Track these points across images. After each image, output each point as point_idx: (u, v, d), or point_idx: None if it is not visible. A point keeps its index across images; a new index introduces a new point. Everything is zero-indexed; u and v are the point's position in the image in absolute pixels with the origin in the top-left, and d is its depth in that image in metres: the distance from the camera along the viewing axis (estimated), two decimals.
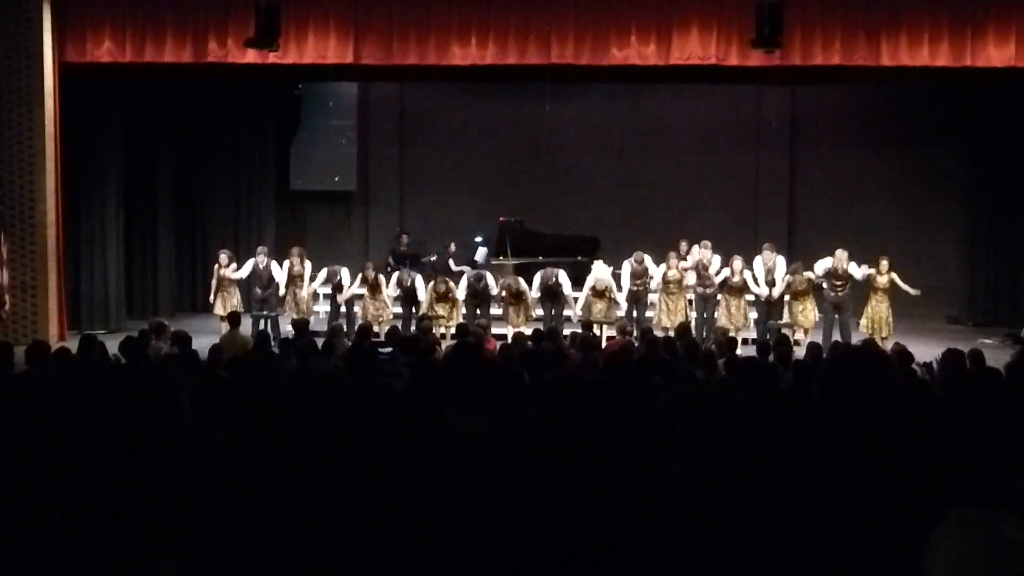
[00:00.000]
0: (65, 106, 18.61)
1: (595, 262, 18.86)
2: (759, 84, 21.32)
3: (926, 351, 12.25)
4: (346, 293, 18.34)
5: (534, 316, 18.17)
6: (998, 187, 21.87)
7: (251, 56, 17.79)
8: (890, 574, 2.82)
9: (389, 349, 12.88)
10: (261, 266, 18.66)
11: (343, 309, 18.60)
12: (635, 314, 18.10)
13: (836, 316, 17.77)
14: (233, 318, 15.34)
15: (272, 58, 17.73)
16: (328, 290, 18.88)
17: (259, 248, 19.42)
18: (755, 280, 18.01)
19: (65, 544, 3.55)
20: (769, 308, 18.03)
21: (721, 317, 17.95)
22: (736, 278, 17.94)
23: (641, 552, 3.02)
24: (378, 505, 4.08)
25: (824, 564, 3.00)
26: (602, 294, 18.12)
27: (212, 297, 18.96)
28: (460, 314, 18.01)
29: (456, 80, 21.14)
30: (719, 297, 18.20)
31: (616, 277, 18.37)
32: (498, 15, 18.02)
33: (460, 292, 18.09)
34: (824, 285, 17.85)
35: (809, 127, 24.07)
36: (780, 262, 18.19)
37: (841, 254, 17.80)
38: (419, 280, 18.42)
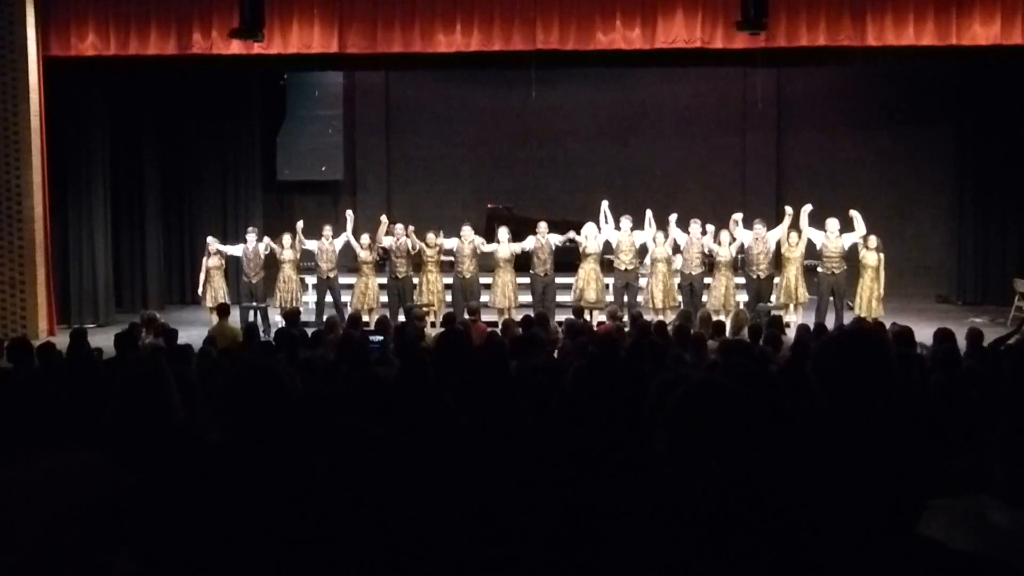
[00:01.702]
0: (50, 100, 18.57)
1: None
2: (745, 67, 21.28)
3: (916, 331, 12.25)
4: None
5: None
6: (986, 166, 21.87)
7: (236, 47, 17.76)
8: (877, 562, 2.81)
9: (380, 338, 12.88)
10: (250, 248, 18.61)
11: (329, 298, 18.59)
12: (625, 299, 18.11)
13: (832, 298, 17.76)
14: (222, 309, 15.30)
15: (257, 48, 17.69)
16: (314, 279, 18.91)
17: (249, 228, 19.38)
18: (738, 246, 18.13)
19: (48, 545, 3.53)
20: (759, 290, 18.03)
21: (711, 299, 17.95)
22: (724, 250, 17.96)
23: (632, 537, 3.01)
24: (370, 496, 4.07)
25: (811, 550, 3.00)
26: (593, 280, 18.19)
27: (200, 289, 18.87)
28: (445, 303, 18.10)
29: (442, 67, 21.12)
30: (707, 280, 18.23)
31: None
32: (483, 2, 18.00)
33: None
34: (819, 268, 17.84)
35: (795, 109, 24.08)
36: (772, 236, 18.16)
37: (832, 223, 17.84)
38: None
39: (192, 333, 14.66)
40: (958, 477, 3.22)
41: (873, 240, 17.76)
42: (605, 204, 18.76)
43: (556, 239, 18.58)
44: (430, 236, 18.47)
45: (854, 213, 17.71)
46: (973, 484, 2.77)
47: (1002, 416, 2.76)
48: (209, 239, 19.08)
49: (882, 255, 17.75)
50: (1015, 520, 2.53)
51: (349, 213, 19.28)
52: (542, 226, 18.64)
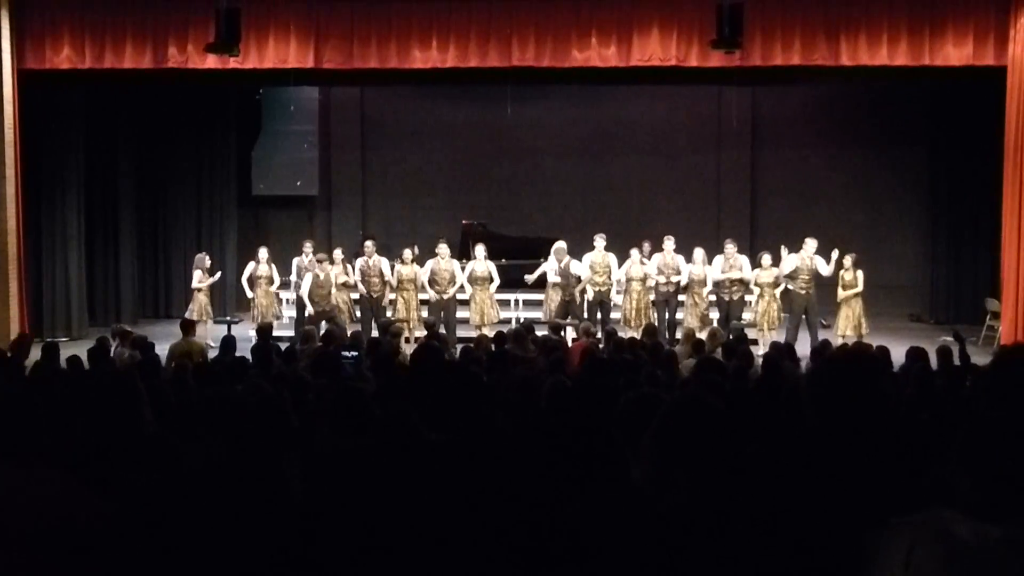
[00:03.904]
0: (25, 113, 18.48)
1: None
2: (720, 85, 21.40)
3: (891, 351, 12.28)
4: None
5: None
6: (958, 185, 21.97)
7: (211, 61, 17.71)
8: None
9: (354, 353, 12.86)
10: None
11: (309, 311, 18.58)
12: (599, 316, 18.15)
13: (804, 316, 17.83)
14: (186, 325, 15.12)
15: (232, 63, 17.64)
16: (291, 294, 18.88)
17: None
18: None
19: (14, 565, 3.50)
20: (729, 308, 18.10)
21: (687, 317, 18.00)
22: (698, 269, 18.04)
23: (609, 554, 3.02)
24: (344, 512, 4.07)
25: (789, 565, 3.01)
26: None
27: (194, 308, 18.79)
28: (420, 317, 18.07)
29: (417, 84, 21.09)
30: (681, 297, 18.29)
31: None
32: (459, 18, 18.01)
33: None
34: (790, 285, 17.91)
35: (770, 128, 24.17)
36: (745, 261, 18.24)
37: (811, 243, 17.95)
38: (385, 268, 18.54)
39: (166, 347, 14.57)
40: (923, 492, 3.24)
41: (848, 260, 17.85)
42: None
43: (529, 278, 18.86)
44: (407, 253, 18.44)
45: (834, 255, 17.87)
46: (937, 499, 2.79)
47: (965, 429, 2.78)
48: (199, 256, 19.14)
49: (859, 272, 17.84)
50: (978, 533, 2.54)
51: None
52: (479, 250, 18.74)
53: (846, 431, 3.47)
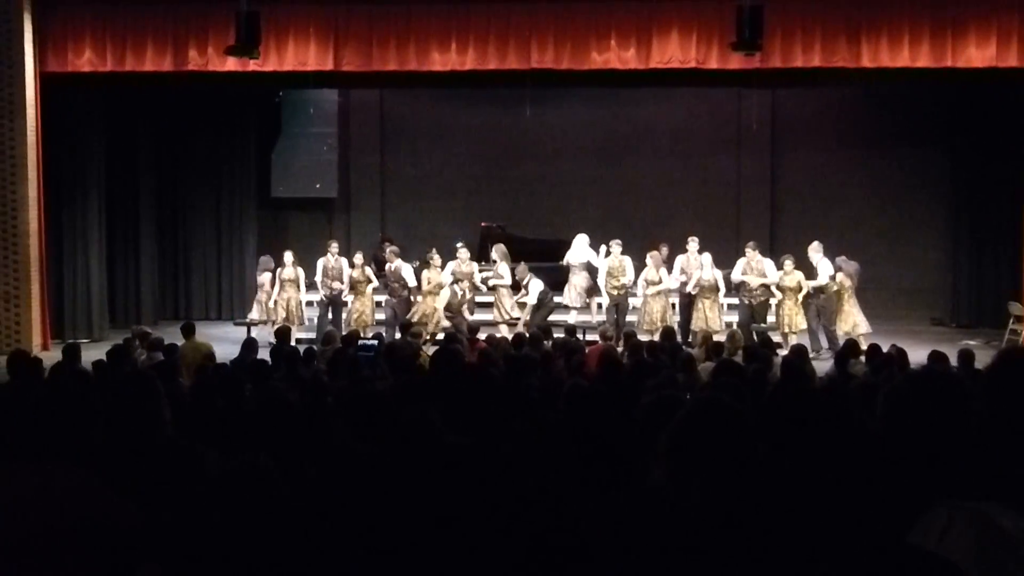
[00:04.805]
0: (47, 116, 18.56)
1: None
2: (739, 87, 21.33)
3: (910, 353, 12.25)
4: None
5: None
6: (980, 188, 21.81)
7: (231, 64, 17.75)
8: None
9: (373, 342, 12.88)
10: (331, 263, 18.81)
11: (330, 316, 18.60)
12: (615, 317, 18.17)
13: (820, 320, 17.79)
14: (187, 328, 15.06)
15: (252, 66, 17.69)
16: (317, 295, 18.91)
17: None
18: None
19: (35, 565, 3.51)
20: (752, 312, 18.03)
21: (698, 320, 17.92)
22: (707, 275, 17.98)
23: (627, 556, 3.00)
24: (363, 514, 4.06)
25: (811, 569, 2.98)
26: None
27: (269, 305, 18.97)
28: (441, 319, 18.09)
29: (436, 86, 21.10)
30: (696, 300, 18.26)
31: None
32: (478, 21, 18.02)
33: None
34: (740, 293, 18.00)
35: (790, 130, 24.09)
36: (769, 264, 18.15)
37: (752, 252, 18.02)
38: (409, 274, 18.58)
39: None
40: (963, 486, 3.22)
41: (789, 264, 17.87)
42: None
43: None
44: (436, 257, 18.44)
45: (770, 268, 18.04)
46: (981, 492, 2.80)
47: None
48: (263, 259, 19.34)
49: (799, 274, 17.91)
50: (1020, 526, 2.55)
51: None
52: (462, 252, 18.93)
53: (921, 444, 3.42)
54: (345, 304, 18.73)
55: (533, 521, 3.85)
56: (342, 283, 18.56)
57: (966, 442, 3.27)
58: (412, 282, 18.46)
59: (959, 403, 3.39)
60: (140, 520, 3.62)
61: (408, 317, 17.61)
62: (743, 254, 18.36)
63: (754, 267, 18.07)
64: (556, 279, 19.32)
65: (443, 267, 18.44)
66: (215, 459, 4.49)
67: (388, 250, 18.99)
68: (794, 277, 17.79)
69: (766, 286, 17.96)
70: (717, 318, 17.97)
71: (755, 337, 16.24)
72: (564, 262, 19.34)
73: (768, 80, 19.22)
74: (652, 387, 8.10)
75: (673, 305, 18.47)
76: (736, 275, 18.10)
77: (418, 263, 19.25)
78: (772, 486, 3.15)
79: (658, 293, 18.15)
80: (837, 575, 2.64)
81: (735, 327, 17.06)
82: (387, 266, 18.53)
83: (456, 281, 18.33)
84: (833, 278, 17.80)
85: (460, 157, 24.59)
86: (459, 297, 18.16)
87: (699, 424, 3.09)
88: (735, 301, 18.52)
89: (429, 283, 18.18)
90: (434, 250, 18.63)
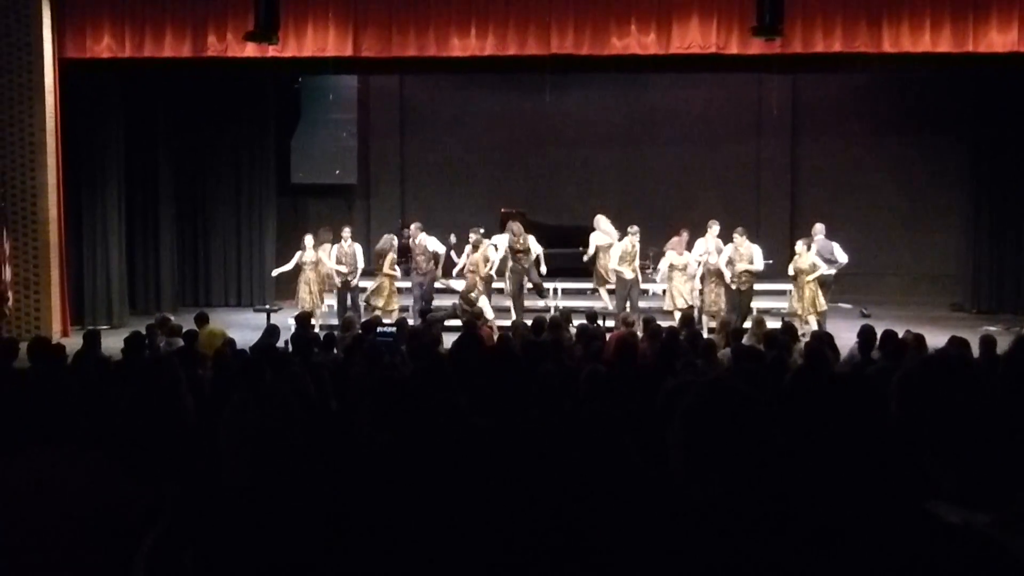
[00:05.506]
0: (66, 102, 18.62)
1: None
2: (760, 72, 21.26)
3: (930, 339, 12.20)
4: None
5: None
6: (1001, 174, 21.73)
7: (250, 50, 17.78)
8: (889, 565, 2.79)
9: (393, 328, 12.88)
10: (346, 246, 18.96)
11: (349, 302, 18.63)
12: (625, 302, 18.25)
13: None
14: (200, 317, 15.07)
15: (271, 51, 17.71)
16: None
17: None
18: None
19: (49, 544, 3.52)
20: (739, 297, 17.91)
21: (707, 303, 18.03)
22: (712, 259, 17.97)
23: (644, 545, 2.99)
24: (385, 498, 4.06)
25: (824, 556, 2.97)
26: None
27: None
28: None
29: (456, 72, 21.11)
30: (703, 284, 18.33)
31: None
32: (497, 6, 17.99)
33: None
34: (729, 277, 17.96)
35: (810, 115, 24.02)
36: (756, 251, 18.07)
37: (739, 238, 17.97)
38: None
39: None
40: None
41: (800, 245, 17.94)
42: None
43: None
44: (476, 237, 18.57)
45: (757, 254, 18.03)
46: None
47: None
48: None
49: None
50: (968, 521, 2.58)
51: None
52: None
53: (936, 431, 3.41)
54: (359, 289, 18.81)
55: (547, 506, 3.85)
56: (357, 268, 18.62)
57: (980, 427, 3.26)
58: (440, 249, 18.77)
59: (973, 387, 3.38)
60: (151, 498, 3.63)
61: (464, 292, 17.56)
62: (754, 240, 18.30)
63: (742, 253, 17.93)
64: (577, 266, 19.42)
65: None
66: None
67: (412, 226, 19.10)
68: (807, 259, 17.68)
69: (751, 272, 17.89)
70: (720, 300, 18.03)
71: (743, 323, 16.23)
72: (592, 250, 19.30)
73: (788, 65, 19.14)
74: (672, 373, 8.10)
75: (700, 291, 18.48)
76: (722, 261, 18.00)
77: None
78: (791, 475, 3.14)
79: (683, 278, 18.15)
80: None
81: (755, 313, 17.04)
82: (411, 241, 18.64)
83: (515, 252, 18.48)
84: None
85: (480, 143, 24.56)
86: (476, 288, 18.14)
87: (706, 410, 3.08)
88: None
89: (479, 265, 18.29)
90: (482, 230, 18.74)
